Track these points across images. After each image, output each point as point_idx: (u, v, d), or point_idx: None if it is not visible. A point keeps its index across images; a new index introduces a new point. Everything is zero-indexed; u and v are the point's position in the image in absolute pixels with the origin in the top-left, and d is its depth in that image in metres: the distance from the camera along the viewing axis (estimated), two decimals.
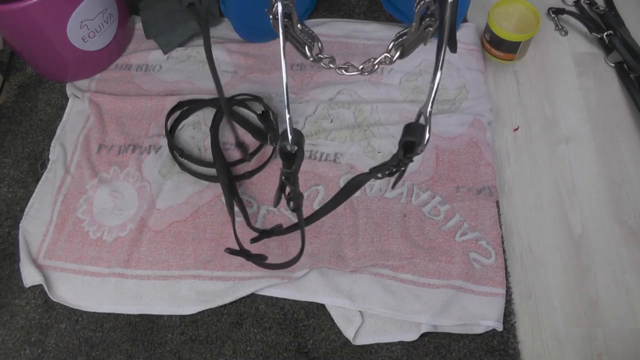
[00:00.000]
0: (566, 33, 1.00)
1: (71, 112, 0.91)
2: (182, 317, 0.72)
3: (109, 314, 0.72)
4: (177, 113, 0.88)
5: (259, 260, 0.71)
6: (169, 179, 0.82)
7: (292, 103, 0.89)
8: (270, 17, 0.40)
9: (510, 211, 0.80)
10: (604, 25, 0.99)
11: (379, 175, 0.48)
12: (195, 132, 0.88)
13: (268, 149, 0.84)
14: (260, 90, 0.90)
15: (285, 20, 0.40)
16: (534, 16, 0.93)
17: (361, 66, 0.45)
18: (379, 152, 0.83)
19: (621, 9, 1.01)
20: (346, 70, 0.46)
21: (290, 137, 0.45)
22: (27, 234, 0.78)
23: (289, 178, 0.50)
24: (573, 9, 1.03)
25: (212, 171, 0.81)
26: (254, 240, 0.74)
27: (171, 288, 0.73)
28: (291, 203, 0.53)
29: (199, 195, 0.81)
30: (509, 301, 0.72)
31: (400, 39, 0.44)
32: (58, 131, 0.88)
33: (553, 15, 1.02)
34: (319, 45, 0.43)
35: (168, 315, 0.72)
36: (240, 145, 0.81)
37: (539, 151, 0.86)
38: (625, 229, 0.78)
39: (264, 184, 0.82)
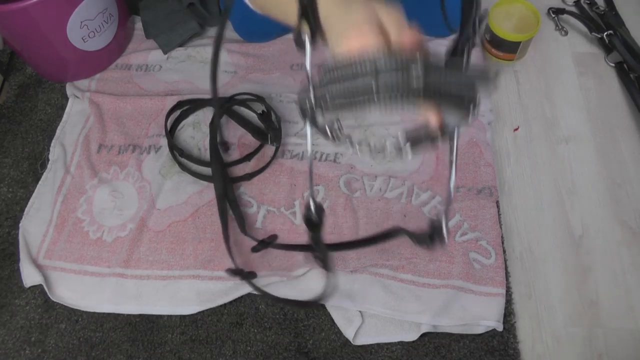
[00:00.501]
0: (566, 33, 1.00)
1: (71, 112, 0.91)
2: (182, 317, 0.72)
3: (109, 314, 0.72)
4: (177, 113, 0.88)
5: (250, 277, 0.71)
6: (169, 179, 0.82)
7: (292, 103, 0.89)
8: (298, 105, 0.42)
9: (510, 211, 0.80)
10: (604, 25, 0.99)
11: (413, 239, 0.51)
12: (195, 132, 0.88)
13: (268, 149, 0.84)
14: (260, 90, 0.90)
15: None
16: (534, 16, 0.93)
17: (373, 144, 0.46)
18: (379, 152, 0.83)
19: (621, 9, 1.01)
20: (360, 148, 0.48)
21: (313, 208, 0.49)
22: (27, 234, 0.78)
23: (317, 242, 0.53)
24: (573, 9, 1.03)
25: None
26: (255, 250, 0.74)
27: (171, 288, 0.73)
28: (320, 262, 0.57)
29: (199, 195, 0.81)
30: (509, 301, 0.72)
31: (410, 134, 0.44)
32: (58, 131, 0.88)
33: (553, 15, 1.02)
34: (338, 124, 0.44)
35: (168, 315, 0.72)
36: (223, 144, 0.82)
37: (539, 151, 0.86)
38: (625, 229, 0.78)
39: (265, 184, 0.82)
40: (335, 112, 0.38)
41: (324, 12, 0.42)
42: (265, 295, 0.70)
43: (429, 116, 0.38)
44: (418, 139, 0.41)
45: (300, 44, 0.42)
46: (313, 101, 0.38)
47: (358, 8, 0.40)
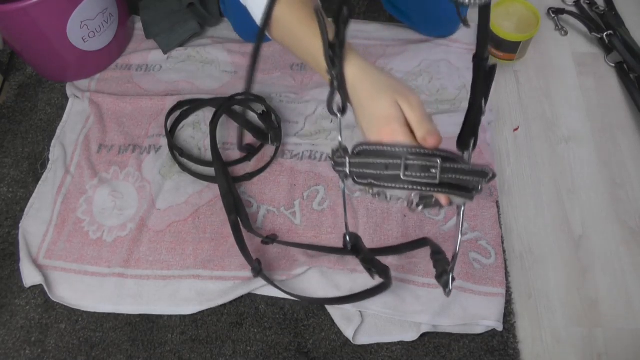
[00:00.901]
0: (566, 33, 1.00)
1: (71, 112, 0.91)
2: (182, 317, 0.72)
3: (109, 314, 0.72)
4: (177, 113, 0.88)
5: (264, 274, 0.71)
6: (169, 179, 0.82)
7: (292, 103, 0.90)
8: (334, 164, 0.49)
9: (510, 211, 0.80)
10: (604, 25, 0.99)
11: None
12: (195, 132, 0.88)
13: (268, 149, 0.84)
14: (260, 90, 0.90)
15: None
16: (534, 16, 0.93)
17: (389, 197, 0.54)
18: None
19: (621, 9, 1.01)
20: (379, 197, 0.56)
21: (349, 238, 0.62)
22: (27, 234, 0.78)
23: (365, 261, 0.64)
24: (573, 9, 1.03)
25: (212, 171, 0.81)
26: (265, 242, 0.74)
27: (171, 288, 0.73)
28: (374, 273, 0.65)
29: (199, 195, 0.81)
30: (509, 301, 0.72)
31: (423, 200, 0.53)
32: (58, 131, 0.88)
33: (553, 15, 1.02)
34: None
35: (168, 315, 0.72)
36: (246, 148, 0.84)
37: (539, 151, 0.86)
38: (625, 229, 0.78)
39: (264, 183, 0.82)
40: (364, 185, 0.47)
41: (355, 97, 0.49)
42: (299, 299, 0.70)
43: (439, 197, 0.47)
44: (429, 204, 0.50)
45: (332, 113, 0.50)
46: (348, 172, 0.47)
47: (385, 103, 0.47)
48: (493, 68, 0.46)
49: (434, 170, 0.43)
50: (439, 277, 0.55)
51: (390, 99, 0.47)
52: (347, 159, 0.47)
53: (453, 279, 0.54)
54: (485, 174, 0.43)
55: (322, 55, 0.47)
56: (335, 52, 0.46)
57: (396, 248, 0.73)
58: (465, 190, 0.45)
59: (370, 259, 0.63)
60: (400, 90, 0.48)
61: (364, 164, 0.46)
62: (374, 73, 0.49)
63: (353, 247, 0.60)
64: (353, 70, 0.48)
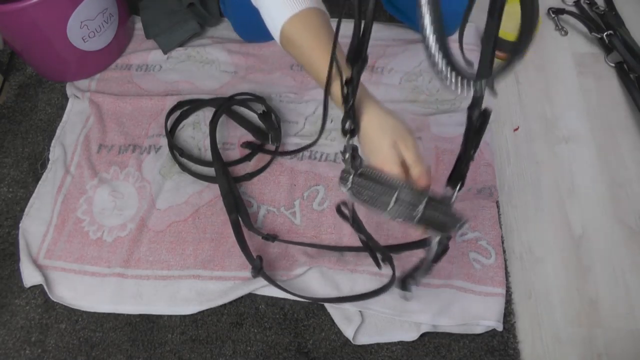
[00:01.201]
0: (566, 33, 1.00)
1: (71, 112, 0.91)
2: (182, 317, 0.72)
3: (109, 314, 0.72)
4: (177, 113, 0.88)
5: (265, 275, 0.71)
6: (169, 179, 0.82)
7: (292, 103, 0.89)
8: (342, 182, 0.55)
9: (510, 211, 0.80)
10: (604, 25, 0.99)
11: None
12: (195, 132, 0.88)
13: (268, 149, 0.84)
14: (260, 90, 0.90)
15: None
16: None
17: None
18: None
19: (621, 9, 1.01)
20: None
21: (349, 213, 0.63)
22: (27, 234, 0.78)
23: (368, 240, 0.66)
24: (573, 9, 1.03)
25: (212, 171, 0.81)
26: (266, 239, 0.74)
27: (171, 288, 0.73)
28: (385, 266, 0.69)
29: (199, 195, 0.81)
30: (509, 301, 0.72)
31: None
32: (58, 131, 0.88)
33: (553, 15, 1.02)
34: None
35: (168, 315, 0.72)
36: (249, 145, 0.85)
37: (539, 151, 0.86)
38: (625, 229, 0.78)
39: (264, 183, 0.82)
40: (358, 201, 0.55)
41: (363, 133, 0.56)
42: (302, 297, 0.70)
43: (417, 230, 0.55)
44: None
45: (343, 134, 0.56)
46: (350, 186, 0.54)
47: (386, 144, 0.54)
48: (487, 114, 0.51)
49: (419, 208, 0.51)
50: (402, 279, 0.60)
51: (391, 140, 0.55)
52: (351, 177, 0.54)
53: (416, 283, 0.58)
54: (458, 220, 0.51)
55: (338, 93, 0.54)
56: (349, 90, 0.53)
57: (417, 243, 0.71)
58: (440, 228, 0.52)
59: (369, 238, 0.65)
60: (400, 133, 0.56)
61: (365, 185, 0.53)
62: (382, 115, 0.56)
63: (354, 219, 0.62)
64: (363, 110, 0.56)
